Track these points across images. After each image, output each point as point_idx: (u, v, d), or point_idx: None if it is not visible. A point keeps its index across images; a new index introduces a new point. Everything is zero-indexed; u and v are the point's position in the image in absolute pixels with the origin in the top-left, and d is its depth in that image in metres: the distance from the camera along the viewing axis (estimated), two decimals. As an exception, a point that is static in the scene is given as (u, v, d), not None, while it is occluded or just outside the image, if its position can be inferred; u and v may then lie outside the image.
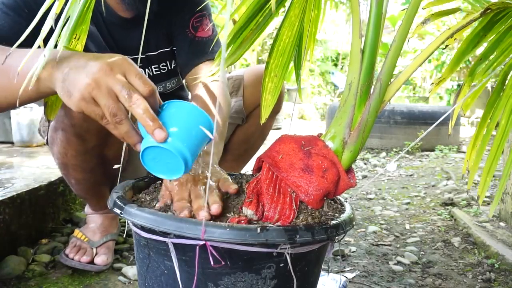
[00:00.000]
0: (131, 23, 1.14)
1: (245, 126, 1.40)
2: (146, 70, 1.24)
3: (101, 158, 1.13)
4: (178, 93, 1.38)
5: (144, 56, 1.21)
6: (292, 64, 0.87)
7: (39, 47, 0.62)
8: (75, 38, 0.73)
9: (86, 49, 0.95)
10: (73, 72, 0.61)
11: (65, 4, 0.63)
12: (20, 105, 0.71)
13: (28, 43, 0.63)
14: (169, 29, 1.21)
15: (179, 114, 0.63)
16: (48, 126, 1.11)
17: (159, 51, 1.23)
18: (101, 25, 1.13)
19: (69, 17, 0.64)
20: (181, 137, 0.61)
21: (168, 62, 1.27)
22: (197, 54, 1.18)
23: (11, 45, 0.67)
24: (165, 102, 0.65)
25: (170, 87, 1.32)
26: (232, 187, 0.74)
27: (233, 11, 0.86)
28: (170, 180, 0.73)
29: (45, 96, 0.70)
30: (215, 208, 0.67)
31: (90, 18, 0.73)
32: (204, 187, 0.73)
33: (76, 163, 1.10)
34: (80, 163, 1.10)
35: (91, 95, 0.60)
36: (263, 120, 0.88)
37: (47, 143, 1.16)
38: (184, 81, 1.39)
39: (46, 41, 0.62)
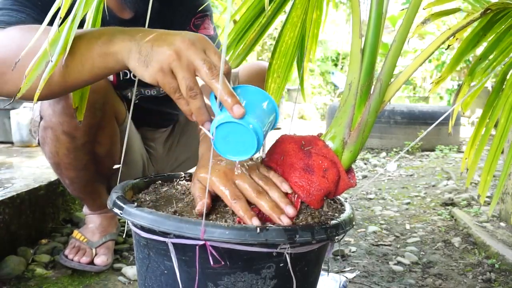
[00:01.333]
0: (129, 23, 1.14)
1: None
2: None
3: (92, 155, 1.13)
4: (171, 99, 1.37)
5: None
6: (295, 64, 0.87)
7: None
8: None
9: None
10: (152, 43, 0.61)
11: (72, 4, 0.63)
12: (87, 84, 0.69)
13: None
14: (168, 29, 1.21)
15: (249, 94, 0.63)
16: (39, 126, 1.11)
17: None
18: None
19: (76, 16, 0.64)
20: (254, 116, 0.60)
21: None
22: None
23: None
24: (236, 86, 0.65)
25: (164, 91, 1.31)
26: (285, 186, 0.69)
27: (234, 12, 0.86)
28: (200, 173, 0.69)
29: (110, 73, 0.68)
30: (292, 212, 0.64)
31: (100, 19, 0.73)
32: (253, 177, 0.68)
33: (68, 162, 1.10)
34: (72, 161, 1.10)
35: (170, 67, 0.60)
36: None
37: (38, 143, 1.16)
38: None
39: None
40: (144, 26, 1.12)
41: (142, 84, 1.26)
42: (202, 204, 0.64)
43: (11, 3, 0.90)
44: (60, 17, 0.58)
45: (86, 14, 0.66)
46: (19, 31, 0.71)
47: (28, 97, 0.63)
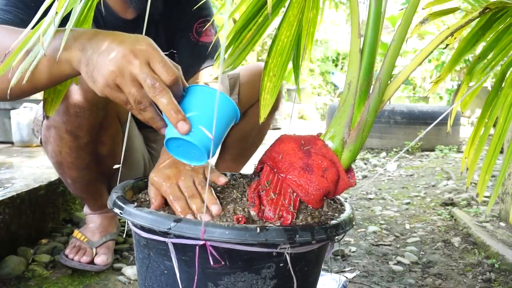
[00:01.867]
0: (132, 24, 1.14)
1: (241, 125, 1.40)
2: None
3: (95, 155, 1.13)
4: None
5: None
6: (290, 64, 0.87)
7: None
8: None
9: None
10: (97, 56, 0.61)
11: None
12: (42, 89, 0.70)
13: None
14: (169, 32, 1.21)
15: (203, 98, 0.64)
16: (42, 125, 1.11)
17: None
18: (100, 25, 1.13)
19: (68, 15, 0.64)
20: (205, 123, 0.62)
21: None
22: (200, 59, 1.18)
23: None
24: (189, 85, 0.66)
25: None
26: (221, 179, 0.74)
27: (233, 10, 0.86)
28: (154, 177, 0.74)
29: (68, 78, 0.68)
30: (216, 210, 0.68)
31: (92, 18, 0.73)
32: (195, 180, 0.73)
33: (71, 161, 1.10)
34: (75, 160, 1.10)
35: (115, 83, 0.60)
36: (262, 119, 0.88)
37: (41, 143, 1.16)
38: None
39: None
40: (149, 26, 1.12)
41: None
42: (154, 207, 0.71)
43: (3, 3, 0.91)
44: (55, 13, 0.58)
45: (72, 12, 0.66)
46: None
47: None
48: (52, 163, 1.16)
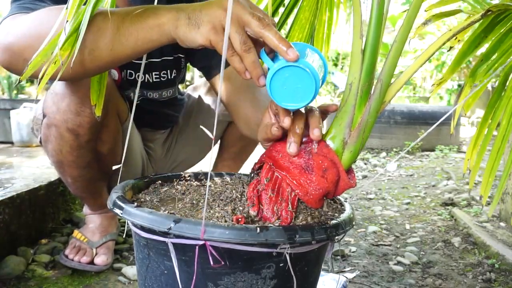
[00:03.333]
0: None
1: None
2: (147, 76, 1.24)
3: (95, 153, 1.13)
4: (172, 102, 1.38)
5: (147, 61, 1.20)
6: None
7: None
8: None
9: None
10: (200, 8, 0.64)
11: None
12: (124, 61, 0.71)
13: None
14: None
15: (298, 47, 0.64)
16: (41, 124, 1.11)
17: (163, 58, 1.23)
18: None
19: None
20: (308, 63, 0.62)
21: (169, 71, 1.26)
22: (216, 58, 1.17)
23: None
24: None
25: (166, 96, 1.32)
26: (332, 106, 0.73)
27: None
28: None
29: (154, 47, 0.69)
30: (317, 133, 0.66)
31: None
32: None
33: (71, 159, 1.10)
34: (75, 159, 1.10)
35: (222, 24, 0.62)
36: None
37: (40, 142, 1.16)
38: (207, 82, 1.39)
39: None
40: None
41: (145, 86, 1.27)
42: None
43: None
44: None
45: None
46: (47, 11, 0.73)
47: (55, 75, 0.64)
48: (52, 162, 1.16)
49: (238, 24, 0.62)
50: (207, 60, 1.19)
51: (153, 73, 1.24)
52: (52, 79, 0.66)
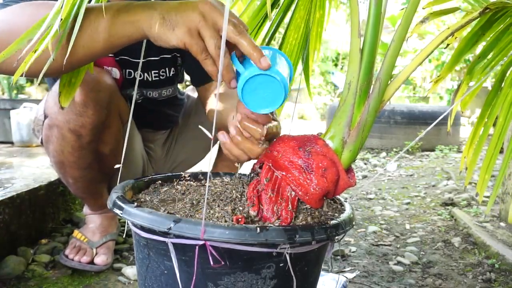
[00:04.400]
0: None
1: None
2: (145, 74, 1.24)
3: (97, 154, 1.13)
4: (172, 102, 1.38)
5: (145, 60, 1.21)
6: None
7: None
8: None
9: None
10: (175, 10, 0.64)
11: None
12: (99, 55, 0.70)
13: None
14: None
15: (266, 51, 0.68)
16: (43, 125, 1.11)
17: (161, 56, 1.23)
18: None
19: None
20: (277, 68, 0.65)
21: (167, 68, 1.27)
22: None
23: None
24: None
25: (166, 94, 1.32)
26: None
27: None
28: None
29: (128, 43, 0.69)
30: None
31: None
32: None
33: (73, 160, 1.10)
34: (77, 159, 1.10)
35: (197, 27, 0.63)
36: None
37: (41, 143, 1.16)
38: (195, 89, 1.41)
39: None
40: None
41: (144, 85, 1.27)
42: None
43: None
44: None
45: None
46: (30, 6, 0.72)
47: (33, 73, 0.63)
48: (53, 163, 1.16)
49: (214, 29, 0.63)
50: (196, 69, 1.20)
51: (152, 71, 1.25)
52: (30, 74, 0.64)
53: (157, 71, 1.25)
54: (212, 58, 0.65)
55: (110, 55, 1.14)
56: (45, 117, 1.09)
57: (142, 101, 1.29)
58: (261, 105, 0.66)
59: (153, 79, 1.26)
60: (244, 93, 0.65)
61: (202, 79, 1.23)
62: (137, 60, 1.13)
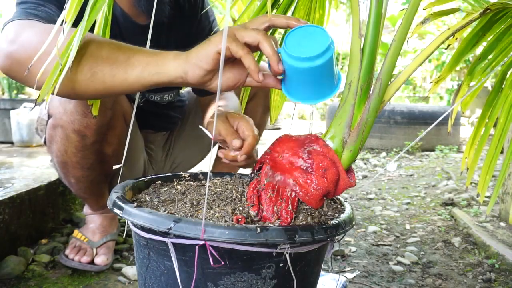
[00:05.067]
0: (147, 29, 1.14)
1: None
2: None
3: (100, 155, 1.13)
4: (174, 104, 1.38)
5: None
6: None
7: None
8: None
9: None
10: (197, 49, 0.69)
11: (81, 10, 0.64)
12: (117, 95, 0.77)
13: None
14: (181, 39, 1.21)
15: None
16: (46, 125, 1.11)
17: None
18: (114, 30, 1.12)
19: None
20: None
21: None
22: None
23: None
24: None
25: (167, 99, 1.32)
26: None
27: (236, 19, 0.87)
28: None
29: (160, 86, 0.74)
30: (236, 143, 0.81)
31: (119, 24, 0.76)
32: None
33: (76, 160, 1.10)
34: (80, 160, 1.10)
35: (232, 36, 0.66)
36: (273, 121, 0.89)
37: (45, 142, 1.16)
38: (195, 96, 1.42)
39: None
40: (161, 32, 1.12)
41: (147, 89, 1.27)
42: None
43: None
44: (66, 21, 0.60)
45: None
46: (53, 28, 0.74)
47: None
48: (56, 163, 1.16)
49: (236, 39, 0.66)
50: None
51: None
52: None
53: None
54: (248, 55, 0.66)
55: None
56: (49, 117, 1.09)
57: (144, 104, 1.29)
58: (305, 52, 0.65)
59: None
60: (287, 48, 0.65)
61: (206, 92, 1.23)
62: None
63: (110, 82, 0.70)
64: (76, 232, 1.28)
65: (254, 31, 0.67)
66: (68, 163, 1.12)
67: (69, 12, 0.59)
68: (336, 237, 0.66)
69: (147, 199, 0.75)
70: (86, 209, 1.32)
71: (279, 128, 4.95)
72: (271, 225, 0.63)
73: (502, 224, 1.69)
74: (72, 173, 1.15)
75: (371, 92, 0.68)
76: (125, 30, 1.13)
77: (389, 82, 0.69)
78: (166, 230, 0.58)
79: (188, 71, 0.68)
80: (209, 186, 0.78)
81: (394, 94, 0.71)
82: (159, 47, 1.19)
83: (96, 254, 1.23)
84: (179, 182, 0.84)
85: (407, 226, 1.75)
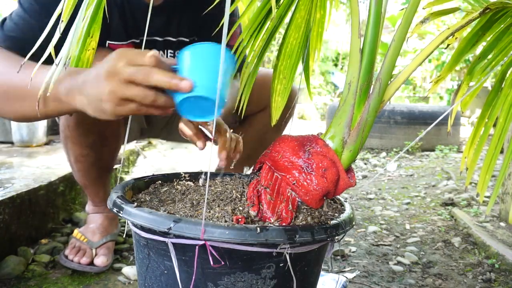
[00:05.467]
0: (157, 9, 1.12)
1: (247, 131, 1.39)
2: (161, 52, 1.23)
3: (99, 135, 1.15)
4: None
5: (162, 39, 1.20)
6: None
7: (50, 55, 0.66)
8: (90, 36, 0.75)
9: (108, 29, 1.04)
10: (89, 88, 0.68)
11: (75, 10, 0.65)
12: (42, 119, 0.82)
13: (43, 46, 0.66)
14: (193, 20, 1.20)
15: (193, 58, 0.68)
16: None
17: (179, 38, 1.22)
18: (125, 9, 1.11)
19: (82, 18, 0.67)
20: (206, 79, 0.66)
21: None
22: None
23: (23, 47, 0.77)
24: (177, 55, 0.70)
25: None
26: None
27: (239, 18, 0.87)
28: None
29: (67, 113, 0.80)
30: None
31: (101, 18, 0.76)
32: None
33: (75, 135, 1.14)
34: (78, 136, 1.14)
35: (119, 97, 0.65)
36: (273, 122, 0.89)
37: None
38: None
39: (57, 48, 0.65)
40: (173, 13, 1.13)
41: None
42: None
43: (20, 10, 0.93)
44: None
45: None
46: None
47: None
48: (62, 140, 1.20)
49: (130, 86, 0.65)
50: None
51: (169, 50, 1.24)
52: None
53: (172, 52, 1.25)
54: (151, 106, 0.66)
55: (128, 41, 1.15)
56: None
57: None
58: (200, 115, 0.69)
59: (169, 57, 1.25)
60: (181, 112, 0.68)
61: None
62: (155, 38, 1.15)
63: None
64: (76, 232, 1.28)
65: (140, 67, 0.65)
66: (69, 138, 1.15)
67: (65, 12, 0.59)
68: (336, 237, 0.66)
69: (147, 199, 0.75)
70: (88, 207, 1.32)
71: (279, 128, 4.94)
72: (271, 225, 0.63)
73: (502, 224, 1.69)
74: (73, 150, 1.17)
75: (370, 92, 0.68)
76: (134, 9, 1.12)
77: (389, 82, 0.69)
78: (166, 230, 0.58)
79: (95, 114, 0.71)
80: (209, 186, 0.78)
81: (394, 94, 0.71)
82: (170, 29, 1.19)
83: (96, 254, 1.23)
84: (179, 182, 0.84)
85: (407, 226, 1.75)
